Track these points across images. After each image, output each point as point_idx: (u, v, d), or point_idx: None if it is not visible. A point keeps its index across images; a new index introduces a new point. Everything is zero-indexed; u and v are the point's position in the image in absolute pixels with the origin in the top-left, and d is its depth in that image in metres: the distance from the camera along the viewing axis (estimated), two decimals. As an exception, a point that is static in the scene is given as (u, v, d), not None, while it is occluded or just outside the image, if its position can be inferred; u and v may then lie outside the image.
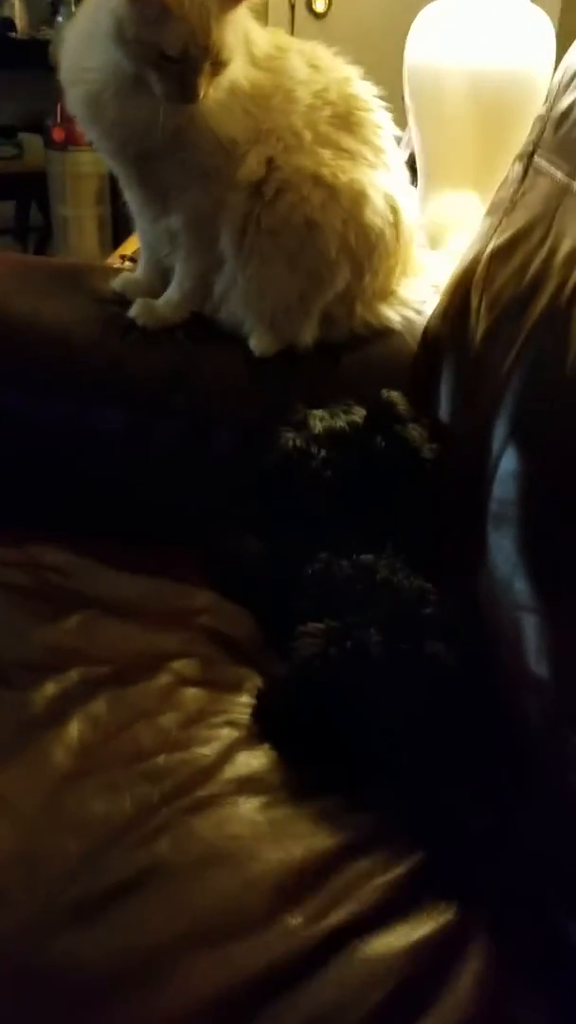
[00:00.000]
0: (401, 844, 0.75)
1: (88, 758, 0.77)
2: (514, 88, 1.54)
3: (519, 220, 0.99)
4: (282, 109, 1.08)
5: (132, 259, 1.53)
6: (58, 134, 2.62)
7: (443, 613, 0.84)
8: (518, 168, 1.07)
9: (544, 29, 1.55)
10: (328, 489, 1.00)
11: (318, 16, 2.96)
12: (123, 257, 1.56)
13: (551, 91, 1.04)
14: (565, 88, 0.99)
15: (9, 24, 2.97)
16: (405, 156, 1.41)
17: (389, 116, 1.16)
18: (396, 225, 1.16)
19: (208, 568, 1.05)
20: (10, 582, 0.98)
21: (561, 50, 1.23)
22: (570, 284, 0.85)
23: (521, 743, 0.77)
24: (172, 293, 1.20)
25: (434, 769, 0.77)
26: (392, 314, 1.20)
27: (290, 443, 1.01)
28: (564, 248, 0.87)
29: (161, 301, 1.20)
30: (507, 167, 1.59)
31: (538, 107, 1.52)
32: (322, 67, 1.12)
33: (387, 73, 1.25)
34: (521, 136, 1.57)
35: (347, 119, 1.12)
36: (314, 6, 2.95)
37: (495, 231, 1.05)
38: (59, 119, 2.56)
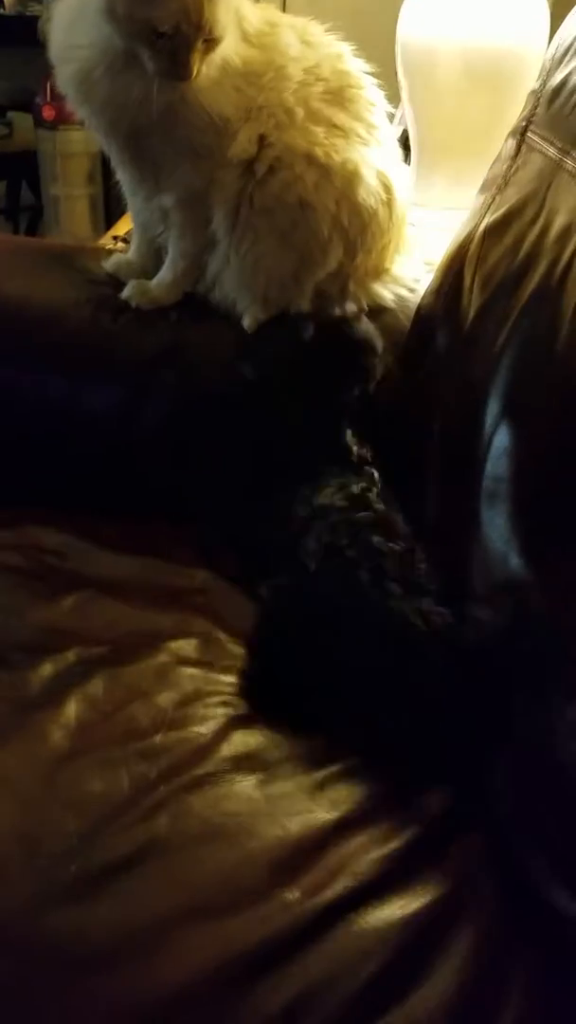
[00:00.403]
0: (396, 817, 0.75)
1: (85, 738, 0.78)
2: (507, 63, 1.52)
3: (512, 197, 0.99)
4: (274, 86, 1.08)
5: (125, 240, 1.53)
6: (48, 112, 2.60)
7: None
8: (511, 144, 1.06)
9: (537, 4, 1.54)
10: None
11: (309, -9, 2.93)
12: (116, 238, 1.55)
13: (544, 67, 1.04)
14: (558, 63, 0.99)
15: (-3, 0, 2.93)
16: (398, 133, 1.40)
17: (382, 93, 1.16)
18: (389, 203, 1.16)
19: (203, 545, 1.06)
20: (6, 563, 0.99)
21: (554, 25, 1.22)
22: (562, 261, 0.85)
23: (508, 710, 0.77)
24: (165, 274, 1.19)
25: (409, 724, 0.78)
26: (385, 292, 1.20)
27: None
28: (557, 225, 0.87)
29: (154, 282, 1.20)
30: (500, 143, 1.60)
31: (531, 82, 1.52)
32: (314, 43, 1.11)
33: (379, 50, 1.25)
34: (514, 111, 1.57)
35: (340, 96, 1.11)
36: (305, -19, 2.92)
37: (488, 208, 1.05)
38: (49, 97, 2.54)
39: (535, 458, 0.82)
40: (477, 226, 1.05)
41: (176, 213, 1.15)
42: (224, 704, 0.84)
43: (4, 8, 2.94)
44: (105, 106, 1.06)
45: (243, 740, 0.80)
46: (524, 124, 1.04)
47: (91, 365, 1.16)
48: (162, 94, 1.02)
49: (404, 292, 1.20)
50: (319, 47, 1.11)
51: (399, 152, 1.20)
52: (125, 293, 1.19)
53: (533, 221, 0.92)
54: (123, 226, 1.63)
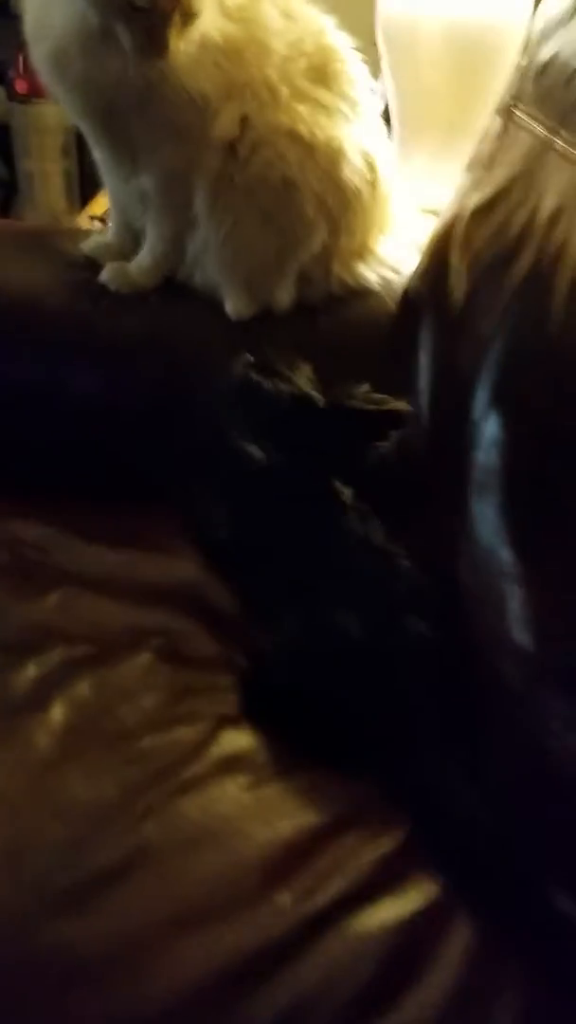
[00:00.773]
0: (388, 817, 0.75)
1: (72, 742, 0.76)
2: (490, 36, 1.50)
3: (499, 176, 0.97)
4: (256, 62, 1.04)
5: (102, 219, 1.49)
6: (21, 86, 2.53)
7: (419, 582, 0.83)
8: (498, 122, 1.04)
9: (520, -26, 1.51)
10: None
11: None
12: (92, 218, 1.51)
13: (530, 41, 1.01)
14: (545, 38, 0.96)
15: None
16: (380, 108, 1.37)
17: (365, 68, 1.13)
18: (373, 182, 1.13)
19: (190, 534, 1.04)
20: (-13, 560, 0.97)
21: (538, -3, 1.19)
22: (553, 245, 0.83)
23: (499, 708, 0.77)
24: (144, 257, 1.16)
25: (415, 741, 0.77)
26: (370, 274, 1.17)
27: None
28: (546, 206, 0.84)
29: (133, 265, 1.17)
30: (481, 116, 1.57)
31: (514, 56, 1.49)
32: (296, 16, 1.08)
33: (360, 22, 1.22)
34: (497, 85, 1.54)
35: (323, 71, 1.08)
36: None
37: (475, 187, 1.03)
38: (21, 70, 2.47)
39: (527, 448, 0.80)
40: (463, 207, 1.03)
41: (155, 195, 1.12)
42: (212, 703, 0.83)
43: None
44: (81, 85, 1.03)
45: (232, 741, 0.79)
46: (510, 101, 1.01)
47: (71, 351, 1.13)
48: (139, 72, 0.98)
49: (389, 274, 1.18)
50: (301, 20, 1.08)
51: (384, 129, 1.17)
52: (103, 276, 1.16)
53: (521, 202, 0.89)
54: (100, 204, 1.60)
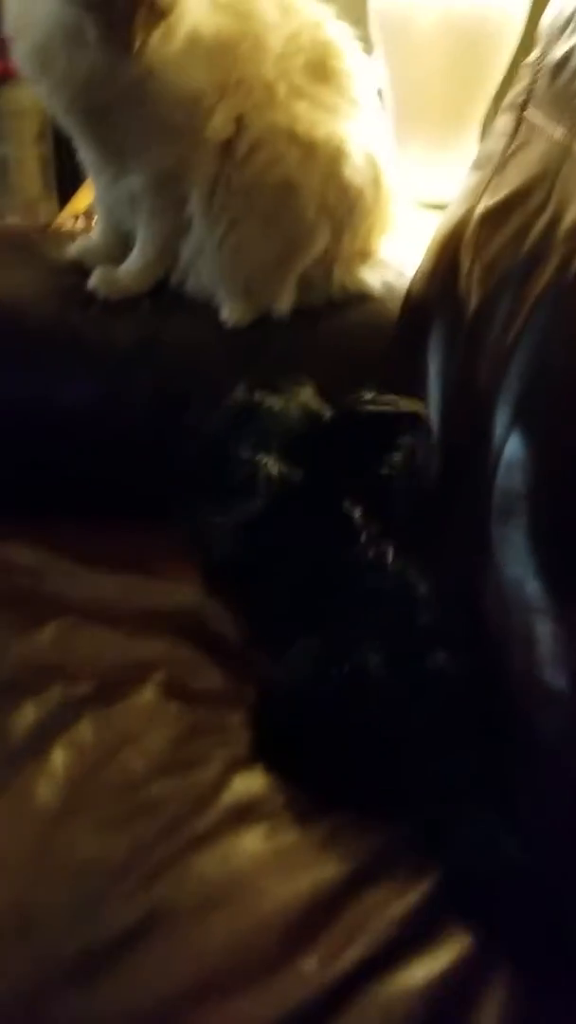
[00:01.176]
0: (412, 867, 0.70)
1: (76, 793, 0.71)
2: (486, 25, 1.46)
3: (513, 180, 0.92)
4: (251, 58, 0.99)
5: (87, 215, 1.43)
6: (-8, 67, 2.46)
7: (442, 619, 0.79)
8: (507, 120, 0.99)
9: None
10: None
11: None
12: (76, 216, 1.45)
13: (542, 37, 0.96)
14: (560, 34, 0.91)
15: None
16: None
17: (367, 61, 1.07)
18: (375, 181, 1.08)
19: (190, 555, 0.99)
20: (-21, 590, 0.92)
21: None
22: (577, 258, 0.78)
23: (535, 757, 0.72)
24: (134, 261, 1.11)
25: (443, 789, 0.73)
26: (372, 277, 1.13)
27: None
28: (568, 217, 0.80)
29: (122, 270, 1.11)
30: (477, 107, 1.53)
31: (510, 45, 1.45)
32: (292, 9, 1.03)
33: (354, 9, 1.17)
34: (492, 76, 1.49)
35: (322, 67, 1.03)
36: None
37: (485, 189, 0.98)
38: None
39: (554, 471, 0.76)
40: (473, 208, 0.98)
41: (146, 196, 1.07)
42: (221, 743, 0.78)
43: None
44: (64, 81, 0.98)
45: (245, 785, 0.75)
46: (522, 99, 0.96)
47: (60, 362, 1.08)
48: (124, 68, 0.93)
49: (392, 277, 1.13)
50: (297, 13, 1.03)
51: (385, 126, 1.12)
52: (91, 283, 1.11)
53: (540, 210, 0.84)
54: (82, 200, 1.53)
